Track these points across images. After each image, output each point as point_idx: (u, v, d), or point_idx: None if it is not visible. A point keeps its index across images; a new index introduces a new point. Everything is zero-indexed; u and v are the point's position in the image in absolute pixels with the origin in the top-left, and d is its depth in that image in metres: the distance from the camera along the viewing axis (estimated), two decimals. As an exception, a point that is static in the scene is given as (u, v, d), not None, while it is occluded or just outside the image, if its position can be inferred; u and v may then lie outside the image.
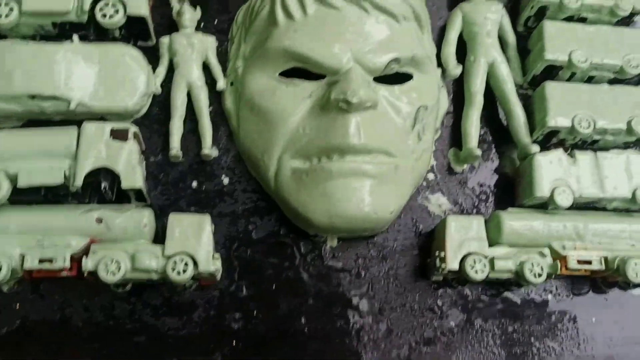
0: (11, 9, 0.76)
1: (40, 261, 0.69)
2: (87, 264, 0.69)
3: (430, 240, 0.81)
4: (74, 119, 0.76)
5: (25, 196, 0.72)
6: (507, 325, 0.79)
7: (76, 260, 0.70)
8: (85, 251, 0.70)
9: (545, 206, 0.79)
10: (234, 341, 0.76)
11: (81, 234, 0.71)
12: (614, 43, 0.85)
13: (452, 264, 0.74)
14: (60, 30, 0.79)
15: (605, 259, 0.76)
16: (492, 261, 0.74)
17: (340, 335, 0.77)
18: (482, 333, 0.79)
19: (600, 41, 0.85)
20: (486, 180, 0.85)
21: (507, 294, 0.81)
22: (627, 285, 0.81)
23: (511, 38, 0.89)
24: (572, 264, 0.76)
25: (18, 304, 0.74)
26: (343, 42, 0.74)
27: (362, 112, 0.72)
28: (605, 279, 0.81)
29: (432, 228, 0.82)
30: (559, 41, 0.83)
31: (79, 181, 0.71)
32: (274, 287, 0.78)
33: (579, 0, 0.85)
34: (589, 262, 0.76)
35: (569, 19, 0.87)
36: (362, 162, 0.73)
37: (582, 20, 0.88)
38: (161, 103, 0.82)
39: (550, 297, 0.81)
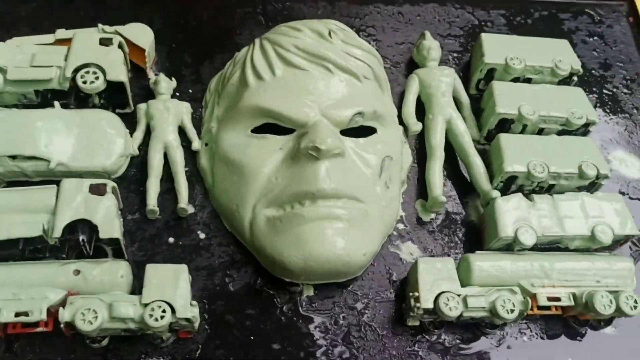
0: (-5, 78, 0.81)
1: (17, 314, 0.68)
2: (64, 314, 0.68)
3: (404, 288, 0.83)
4: (53, 180, 0.79)
5: (3, 251, 0.73)
6: (486, 369, 0.80)
7: (53, 314, 0.70)
8: (62, 304, 0.70)
9: (511, 248, 0.82)
10: (213, 396, 0.75)
11: (58, 287, 0.71)
12: (558, 99, 0.93)
13: (427, 303, 0.75)
14: (43, 99, 0.84)
15: (574, 295, 0.79)
16: (465, 299, 0.76)
17: (321, 385, 0.76)
18: (462, 376, 0.79)
19: (545, 98, 0.92)
20: (453, 228, 0.89)
21: (484, 338, 0.81)
22: (598, 324, 0.83)
23: (465, 99, 0.97)
24: (542, 300, 0.78)
25: (-10, 364, 0.73)
26: (310, 98, 0.80)
27: (331, 160, 0.76)
28: (577, 318, 0.83)
29: (404, 276, 0.83)
30: (508, 97, 0.91)
31: (57, 232, 0.72)
32: (252, 338, 0.77)
33: (522, 62, 0.94)
34: (558, 299, 0.78)
35: (516, 80, 0.96)
36: (334, 207, 0.76)
37: (527, 81, 0.96)
38: (138, 165, 0.86)
39: (525, 339, 0.82)
